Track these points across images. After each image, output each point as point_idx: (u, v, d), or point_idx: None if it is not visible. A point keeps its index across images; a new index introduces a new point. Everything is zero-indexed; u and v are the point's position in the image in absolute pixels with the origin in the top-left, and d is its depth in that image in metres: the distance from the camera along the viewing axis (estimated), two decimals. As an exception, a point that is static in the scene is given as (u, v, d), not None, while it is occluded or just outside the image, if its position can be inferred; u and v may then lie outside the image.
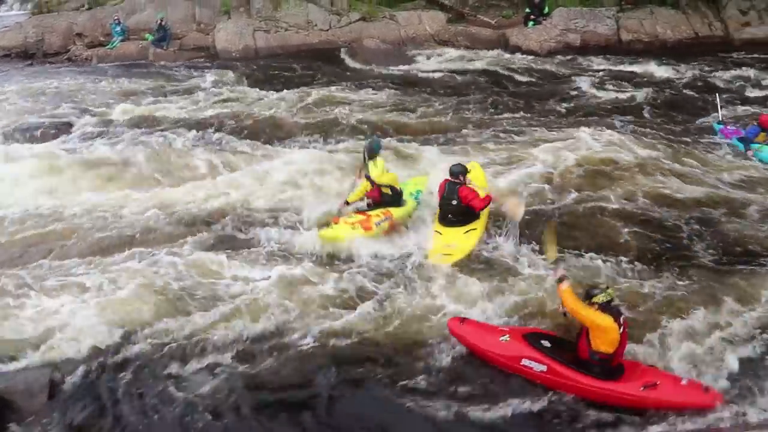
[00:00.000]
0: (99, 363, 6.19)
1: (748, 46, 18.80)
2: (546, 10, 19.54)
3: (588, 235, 8.43)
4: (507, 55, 18.48)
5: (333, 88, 15.46)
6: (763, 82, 15.32)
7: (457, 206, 8.13)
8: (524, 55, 18.42)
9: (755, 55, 17.83)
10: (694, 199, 9.33)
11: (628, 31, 19.40)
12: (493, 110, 13.68)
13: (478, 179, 8.80)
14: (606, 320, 5.42)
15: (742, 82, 15.43)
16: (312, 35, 19.88)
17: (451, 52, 19.08)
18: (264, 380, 5.98)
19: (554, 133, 11.97)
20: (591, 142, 11.31)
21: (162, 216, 9.11)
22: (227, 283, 7.40)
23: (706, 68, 16.59)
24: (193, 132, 12.29)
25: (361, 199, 8.69)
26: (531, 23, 19.35)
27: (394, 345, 6.41)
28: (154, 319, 6.77)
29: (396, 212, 8.44)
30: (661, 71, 16.49)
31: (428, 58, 18.66)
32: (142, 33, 20.15)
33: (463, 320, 6.28)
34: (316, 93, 14.92)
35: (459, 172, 8.19)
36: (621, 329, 5.47)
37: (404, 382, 5.89)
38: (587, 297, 5.59)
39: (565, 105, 14.04)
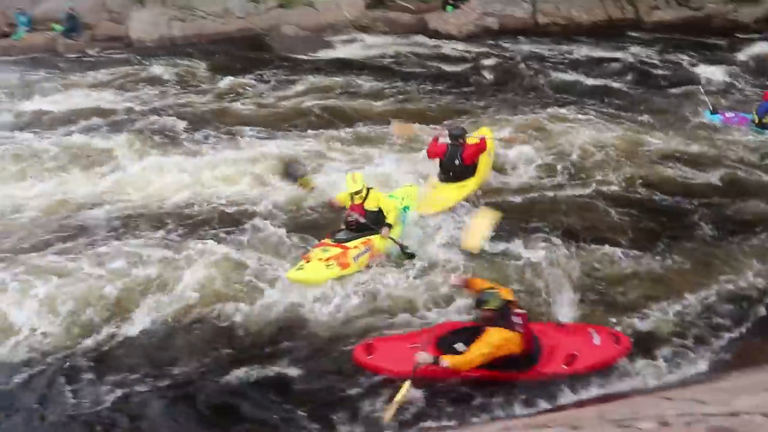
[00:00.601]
0: (27, 370, 5.91)
1: (658, 27, 19.49)
2: (464, -6, 19.73)
3: (580, 218, 8.44)
4: (434, 41, 18.44)
5: (265, 75, 15.27)
6: (686, 62, 15.99)
7: (460, 166, 8.68)
8: (450, 40, 18.44)
9: (669, 36, 18.57)
10: (699, 183, 9.43)
11: (545, 14, 19.79)
12: (449, 95, 13.68)
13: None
14: (498, 336, 5.23)
15: (673, 63, 16.04)
16: (229, 23, 19.48)
17: (372, 38, 19.00)
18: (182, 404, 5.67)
19: (525, 117, 11.92)
20: (568, 125, 11.34)
21: (100, 212, 8.80)
22: (153, 283, 7.01)
23: (642, 49, 17.13)
24: (122, 123, 11.93)
25: (343, 209, 7.70)
26: (449, 7, 19.51)
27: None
28: (89, 325, 6.45)
29: (378, 242, 7.38)
30: (590, 51, 17.01)
31: (351, 43, 18.59)
32: (50, 23, 19.27)
33: (370, 345, 5.79)
34: (248, 81, 14.76)
35: (459, 135, 8.76)
36: (522, 329, 5.34)
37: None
38: (478, 305, 5.40)
39: (524, 89, 14.11)
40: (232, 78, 14.95)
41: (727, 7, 20.13)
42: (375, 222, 7.48)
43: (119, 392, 5.64)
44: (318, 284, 6.86)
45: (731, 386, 4.55)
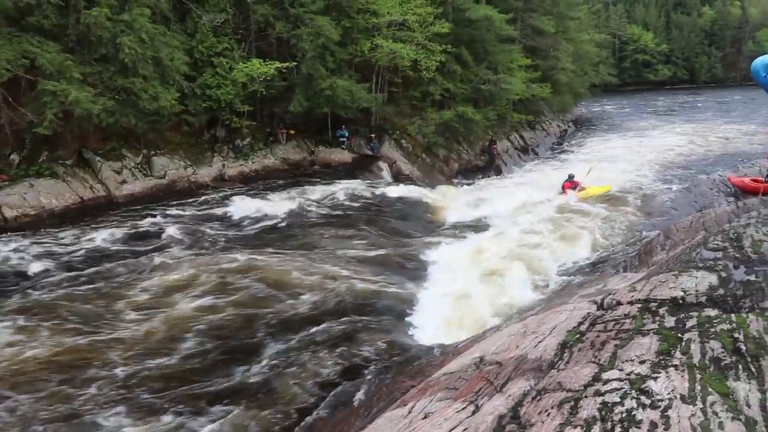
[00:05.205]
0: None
1: (130, 199, 20.93)
2: None
3: None
4: None
5: None
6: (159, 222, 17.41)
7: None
8: None
9: (141, 205, 20.21)
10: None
11: (12, 207, 19.07)
12: None
13: (593, 189, 22.09)
14: None
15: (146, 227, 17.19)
16: None
17: None
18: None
19: None
20: None
21: None
22: None
23: (114, 227, 17.91)
24: None
25: None
26: None
27: None
28: None
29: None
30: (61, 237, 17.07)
31: None
32: None
33: None
34: None
35: (570, 176, 22.81)
36: None
37: None
38: None
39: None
40: None
41: (187, 171, 23.05)
42: None
43: None
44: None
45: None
